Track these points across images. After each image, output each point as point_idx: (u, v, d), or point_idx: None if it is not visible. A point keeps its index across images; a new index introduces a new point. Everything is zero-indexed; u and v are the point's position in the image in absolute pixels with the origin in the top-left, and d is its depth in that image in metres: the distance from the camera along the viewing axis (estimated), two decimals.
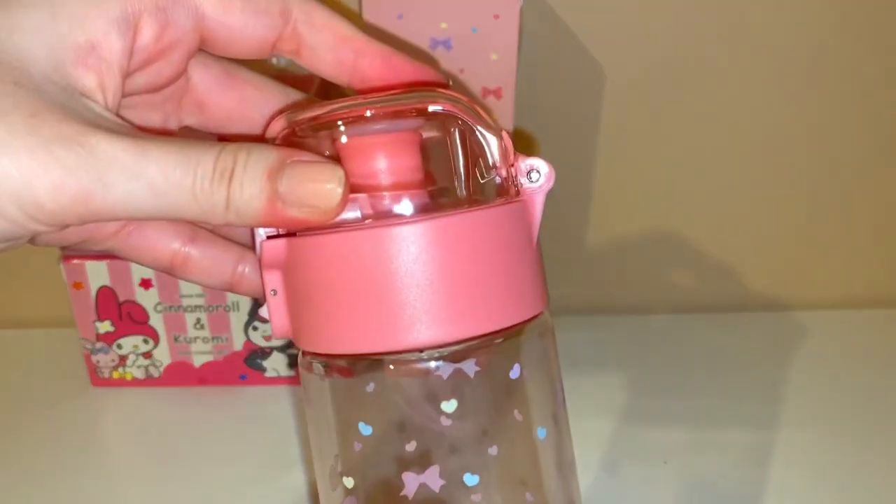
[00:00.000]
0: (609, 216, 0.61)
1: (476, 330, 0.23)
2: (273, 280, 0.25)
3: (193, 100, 0.27)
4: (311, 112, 0.24)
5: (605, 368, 0.56)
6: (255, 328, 0.52)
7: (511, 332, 0.25)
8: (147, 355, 0.53)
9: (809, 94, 0.57)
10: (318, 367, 0.26)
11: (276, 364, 0.53)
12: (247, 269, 0.27)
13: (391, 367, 0.24)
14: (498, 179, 0.26)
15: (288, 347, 0.52)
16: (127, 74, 0.24)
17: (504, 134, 0.26)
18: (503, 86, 0.45)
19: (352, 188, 0.23)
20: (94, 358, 0.53)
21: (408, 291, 0.23)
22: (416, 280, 0.23)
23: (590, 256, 0.63)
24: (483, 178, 0.26)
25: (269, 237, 0.25)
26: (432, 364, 0.24)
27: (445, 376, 0.24)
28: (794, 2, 0.55)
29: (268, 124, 0.26)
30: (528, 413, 0.27)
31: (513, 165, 0.26)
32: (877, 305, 0.63)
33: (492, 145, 0.26)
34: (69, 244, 0.26)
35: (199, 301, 0.51)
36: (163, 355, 0.53)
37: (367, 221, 0.24)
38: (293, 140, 0.25)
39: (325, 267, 0.23)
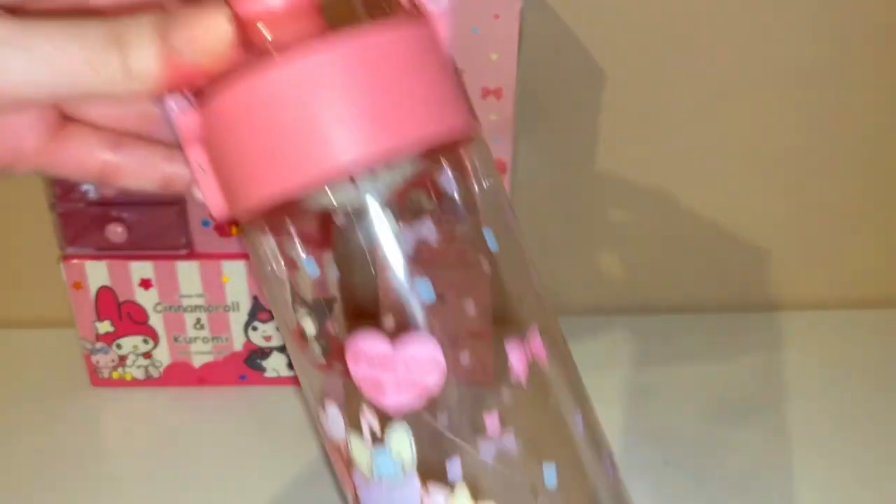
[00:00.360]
0: (609, 216, 0.61)
1: (407, 139, 0.22)
2: (197, 155, 0.24)
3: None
4: None
5: (604, 368, 0.56)
6: (254, 328, 0.52)
7: (445, 149, 0.24)
8: (147, 355, 0.53)
9: (809, 93, 0.58)
10: (262, 226, 0.25)
11: (275, 364, 0.53)
12: (176, 166, 0.27)
13: (330, 198, 0.23)
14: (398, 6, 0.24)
15: None
16: None
17: None
18: (503, 86, 0.45)
19: (251, 33, 0.22)
20: (93, 358, 0.53)
21: (327, 116, 0.22)
22: (337, 105, 0.22)
23: (589, 256, 0.63)
24: (386, 8, 0.24)
25: (181, 113, 0.24)
26: (367, 187, 0.23)
27: (379, 200, 0.23)
28: (793, 2, 0.55)
29: None
30: (477, 229, 0.26)
31: None
32: (877, 305, 0.63)
33: None
34: None
35: (199, 301, 0.51)
36: (162, 355, 0.53)
37: (272, 59, 0.23)
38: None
39: (244, 117, 0.22)
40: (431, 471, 0.25)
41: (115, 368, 0.53)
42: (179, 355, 0.53)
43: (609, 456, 0.29)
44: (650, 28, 0.55)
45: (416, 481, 0.25)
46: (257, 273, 0.27)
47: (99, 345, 0.52)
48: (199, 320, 0.51)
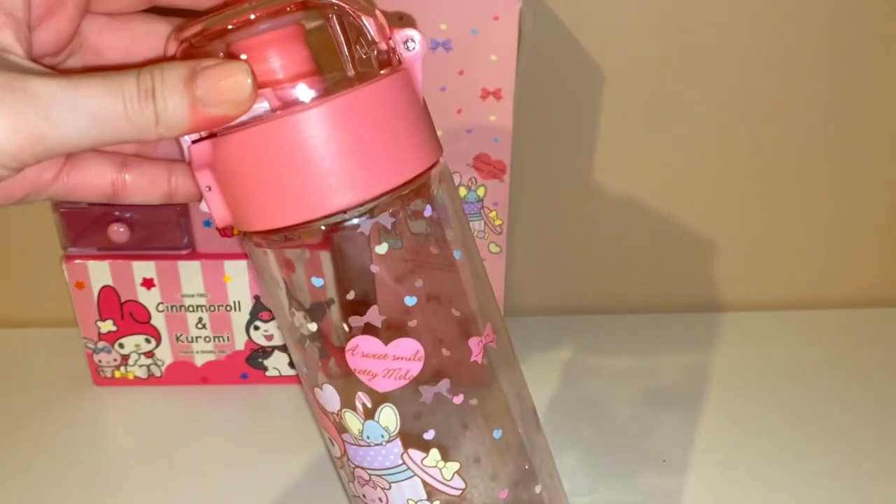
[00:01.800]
0: (608, 215, 0.61)
1: (387, 185, 0.27)
2: (205, 178, 0.28)
3: (91, 49, 0.30)
4: (200, 25, 0.27)
5: (604, 368, 0.56)
6: (256, 328, 0.52)
7: (416, 182, 0.28)
8: (149, 355, 0.53)
9: (808, 93, 0.58)
10: (260, 243, 0.30)
11: (277, 363, 0.53)
12: (179, 179, 0.30)
13: (322, 228, 0.27)
14: (377, 53, 0.29)
15: None
16: (31, 28, 0.27)
17: (377, 12, 0.29)
18: (503, 87, 0.45)
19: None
20: (96, 357, 0.53)
21: (323, 165, 0.26)
22: (329, 154, 0.26)
23: (589, 255, 0.63)
24: (365, 55, 0.28)
25: (193, 142, 0.27)
26: (355, 221, 0.27)
27: (367, 231, 0.28)
28: (792, 3, 0.55)
29: (165, 49, 0.29)
30: (444, 243, 0.31)
31: (390, 38, 0.29)
32: (877, 305, 0.63)
33: (368, 24, 0.28)
34: (15, 201, 0.27)
35: (201, 301, 0.51)
36: (164, 355, 0.53)
37: (276, 112, 0.27)
38: (191, 53, 0.27)
39: (249, 157, 0.26)
40: (411, 437, 0.31)
41: (117, 368, 0.53)
42: (181, 354, 0.53)
43: (537, 422, 0.35)
44: (648, 29, 0.55)
45: (399, 443, 0.30)
46: (257, 274, 0.31)
47: (101, 344, 0.52)
48: (200, 320, 0.52)
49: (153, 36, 0.30)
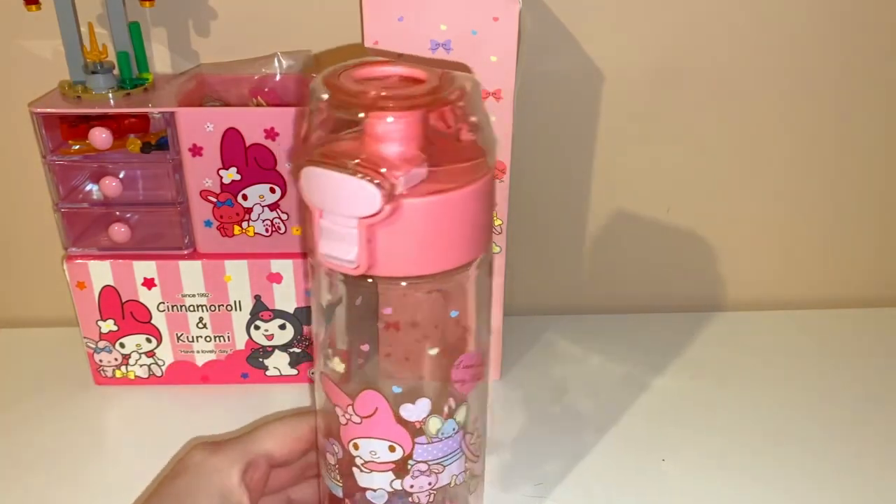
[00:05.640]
0: (607, 216, 0.61)
1: (448, 265, 0.32)
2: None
3: None
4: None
5: (604, 367, 0.56)
6: (256, 327, 0.52)
7: (465, 266, 0.33)
8: (150, 354, 0.53)
9: (807, 94, 0.58)
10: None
11: (277, 363, 0.53)
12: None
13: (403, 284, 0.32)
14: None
15: (289, 346, 0.53)
16: None
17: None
18: (503, 87, 0.46)
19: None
20: (97, 357, 0.53)
21: (441, 239, 0.31)
22: (433, 231, 0.31)
23: (588, 255, 0.63)
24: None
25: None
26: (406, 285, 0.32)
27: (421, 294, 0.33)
28: (791, 4, 0.55)
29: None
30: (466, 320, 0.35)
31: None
32: (877, 305, 0.64)
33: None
34: None
35: (202, 300, 0.51)
36: (165, 354, 0.53)
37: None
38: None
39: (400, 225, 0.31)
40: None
41: (118, 367, 0.53)
42: (182, 354, 0.53)
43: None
44: (647, 30, 0.55)
45: (462, 432, 0.36)
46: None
47: (102, 344, 0.52)
48: (201, 319, 0.52)
49: None
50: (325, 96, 0.31)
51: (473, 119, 0.32)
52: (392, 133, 0.30)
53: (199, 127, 0.47)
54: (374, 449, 0.34)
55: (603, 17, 0.55)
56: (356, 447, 0.35)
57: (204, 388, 0.54)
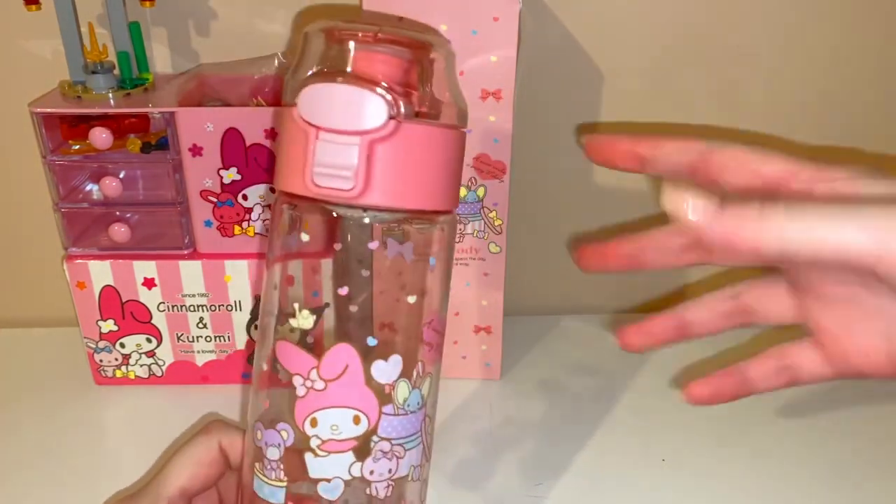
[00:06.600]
0: (608, 215, 0.61)
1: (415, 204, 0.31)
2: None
3: None
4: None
5: (604, 367, 0.56)
6: (256, 327, 0.52)
7: (433, 216, 0.32)
8: (150, 354, 0.53)
9: (807, 94, 0.58)
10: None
11: None
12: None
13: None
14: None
15: None
16: None
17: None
18: (503, 87, 0.46)
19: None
20: (97, 357, 0.53)
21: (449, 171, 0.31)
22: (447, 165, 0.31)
23: None
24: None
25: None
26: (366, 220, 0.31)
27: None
28: (792, 4, 0.55)
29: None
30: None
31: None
32: None
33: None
34: None
35: (202, 300, 0.51)
36: (165, 354, 0.53)
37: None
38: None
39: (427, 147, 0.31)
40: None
41: (118, 367, 0.53)
42: (182, 354, 0.53)
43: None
44: (647, 29, 0.56)
45: (424, 412, 0.34)
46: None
47: (102, 344, 0.52)
48: (201, 319, 0.52)
49: None
50: (323, 34, 0.31)
51: (452, 83, 0.33)
52: (387, 65, 0.31)
53: (199, 127, 0.47)
54: (335, 423, 0.32)
55: (603, 17, 0.55)
56: (314, 423, 0.32)
57: (204, 388, 0.54)
